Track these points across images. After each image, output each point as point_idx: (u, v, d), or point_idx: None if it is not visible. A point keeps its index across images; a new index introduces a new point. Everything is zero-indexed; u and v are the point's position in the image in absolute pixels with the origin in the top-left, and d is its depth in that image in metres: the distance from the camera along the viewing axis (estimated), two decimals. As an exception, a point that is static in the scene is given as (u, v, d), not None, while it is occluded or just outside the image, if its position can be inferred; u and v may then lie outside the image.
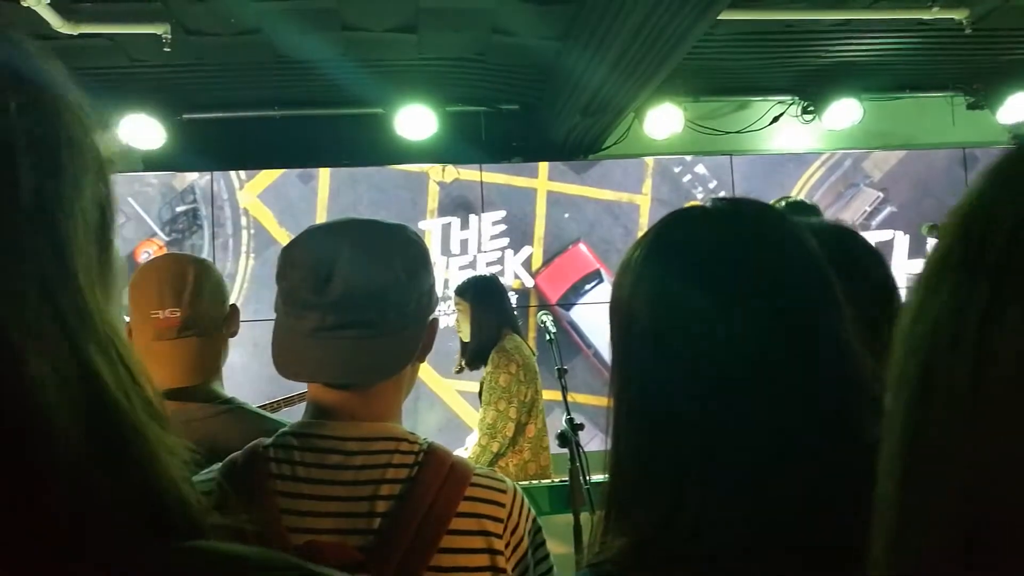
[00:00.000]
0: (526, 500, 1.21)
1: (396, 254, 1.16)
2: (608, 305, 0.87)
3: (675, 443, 0.77)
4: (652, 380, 0.80)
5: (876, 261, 1.27)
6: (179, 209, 4.87)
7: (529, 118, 5.19)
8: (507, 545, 1.13)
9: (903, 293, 1.23)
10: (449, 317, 3.56)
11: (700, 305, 0.78)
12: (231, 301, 1.77)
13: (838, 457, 0.72)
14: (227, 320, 1.72)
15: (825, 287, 0.80)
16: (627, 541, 0.77)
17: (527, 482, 3.24)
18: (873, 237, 4.71)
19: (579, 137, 5.04)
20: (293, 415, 1.34)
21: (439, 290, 2.37)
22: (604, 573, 0.76)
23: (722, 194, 5.10)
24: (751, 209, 0.85)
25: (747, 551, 0.72)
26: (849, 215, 5.17)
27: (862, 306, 1.02)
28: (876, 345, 1.04)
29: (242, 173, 4.90)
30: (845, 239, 1.26)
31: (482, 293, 3.48)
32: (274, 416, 1.73)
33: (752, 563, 0.71)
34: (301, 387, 1.52)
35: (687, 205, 0.91)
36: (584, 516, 2.57)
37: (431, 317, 1.22)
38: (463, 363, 3.54)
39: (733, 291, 0.78)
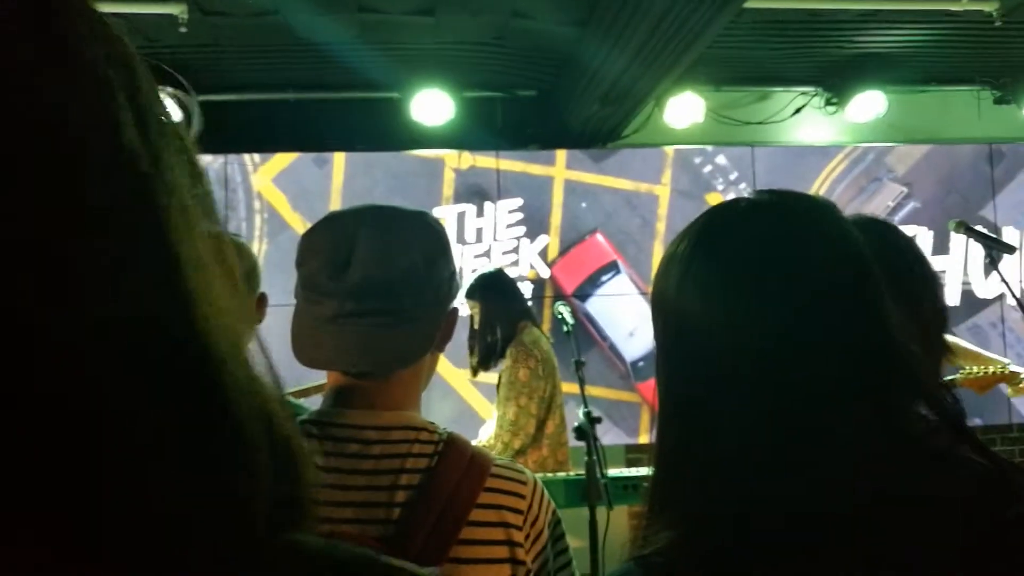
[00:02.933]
0: (546, 492, 1.20)
1: (415, 241, 1.15)
2: (650, 298, 0.86)
3: (719, 436, 0.77)
4: (698, 374, 0.80)
5: (918, 257, 1.26)
6: (192, 192, 4.83)
7: (547, 105, 5.13)
8: (527, 537, 1.13)
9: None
10: (466, 306, 3.51)
11: (749, 299, 0.78)
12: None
13: (886, 450, 0.73)
14: (255, 309, 1.68)
15: (873, 281, 0.80)
16: (673, 534, 0.76)
17: (543, 475, 3.20)
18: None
19: (597, 125, 4.99)
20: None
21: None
22: (651, 564, 0.75)
23: (742, 186, 5.06)
24: (799, 202, 0.85)
25: (794, 544, 0.71)
26: (871, 210, 5.09)
27: (908, 301, 1.00)
28: (925, 342, 1.02)
29: (256, 156, 4.86)
30: (887, 234, 1.26)
31: (491, 289, 3.43)
32: (294, 402, 1.70)
33: (799, 555, 0.71)
34: (314, 376, 1.47)
35: (730, 198, 0.91)
36: (600, 510, 2.54)
37: (451, 306, 1.20)
38: (475, 363, 3.48)
39: (782, 285, 0.78)
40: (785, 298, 0.77)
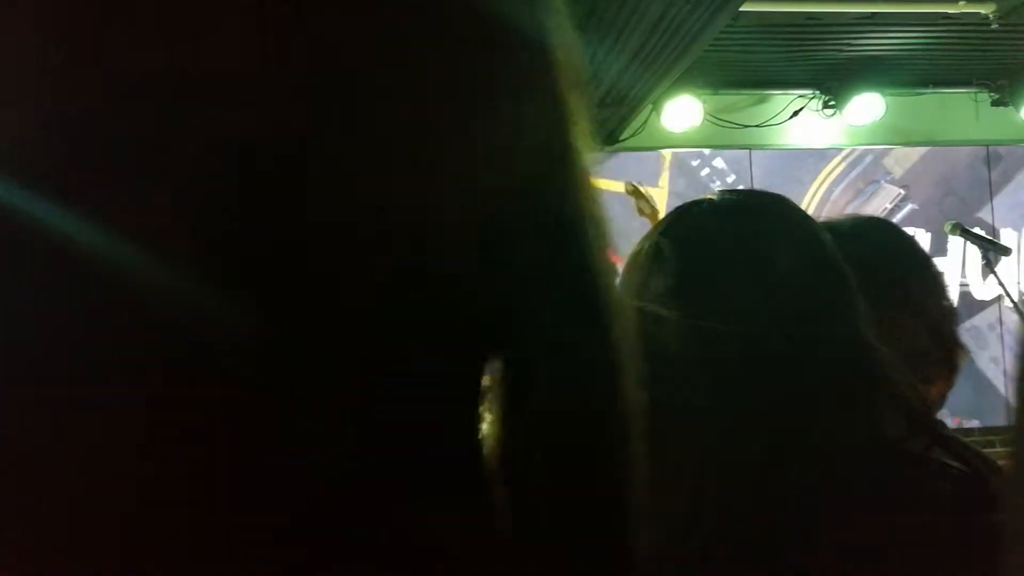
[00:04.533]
0: None
1: None
2: None
3: (684, 452, 0.74)
4: (663, 377, 0.77)
5: (921, 257, 1.25)
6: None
7: (545, 108, 5.12)
8: None
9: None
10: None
11: (710, 300, 0.77)
12: None
13: (853, 454, 0.72)
14: None
15: (837, 279, 0.79)
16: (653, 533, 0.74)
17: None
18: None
19: (595, 128, 4.95)
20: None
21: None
22: None
23: (740, 187, 5.06)
24: (760, 201, 0.85)
25: (763, 550, 0.70)
26: (869, 212, 5.08)
27: (914, 301, 0.99)
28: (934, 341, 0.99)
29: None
30: (891, 235, 1.24)
31: None
32: None
33: (769, 560, 0.70)
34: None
35: (695, 199, 0.91)
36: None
37: None
38: None
39: (744, 284, 0.77)
40: (747, 297, 0.76)
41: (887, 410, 0.75)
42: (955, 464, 0.76)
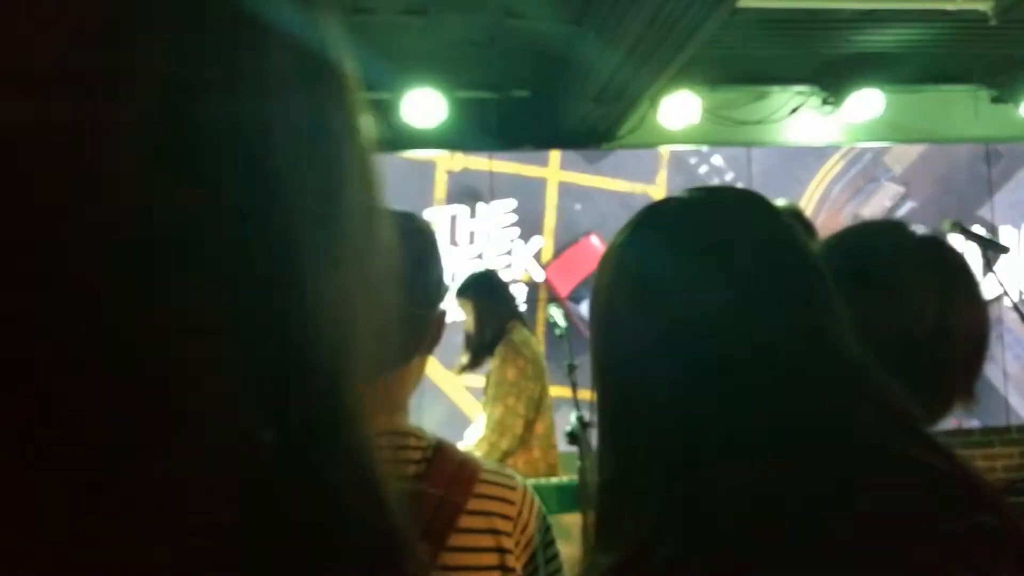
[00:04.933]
0: (536, 498, 1.20)
1: (403, 243, 1.10)
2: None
3: (659, 450, 0.75)
4: (631, 379, 0.79)
5: (927, 258, 1.22)
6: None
7: (540, 105, 5.11)
8: (517, 544, 1.13)
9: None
10: (457, 310, 3.50)
11: (674, 297, 0.78)
12: None
13: (823, 452, 0.72)
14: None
15: (806, 276, 0.79)
16: (615, 557, 0.74)
17: (536, 480, 3.17)
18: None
19: (592, 125, 4.98)
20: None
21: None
22: None
23: (738, 184, 5.04)
24: (728, 198, 0.86)
25: (737, 556, 0.69)
26: (869, 211, 5.11)
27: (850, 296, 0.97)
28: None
29: (246, 158, 4.83)
30: (898, 235, 1.24)
31: (484, 289, 3.44)
32: None
33: (743, 567, 0.69)
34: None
35: (665, 197, 0.93)
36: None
37: (439, 309, 1.20)
38: (466, 362, 3.47)
39: (708, 281, 0.77)
40: (711, 295, 0.76)
41: (861, 408, 0.74)
42: (935, 463, 0.74)
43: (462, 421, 4.56)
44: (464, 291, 3.43)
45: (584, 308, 4.91)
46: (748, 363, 0.74)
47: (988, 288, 5.28)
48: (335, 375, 0.35)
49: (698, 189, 0.88)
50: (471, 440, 3.36)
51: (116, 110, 0.29)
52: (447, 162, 4.93)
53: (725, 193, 0.86)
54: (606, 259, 0.85)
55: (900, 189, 5.24)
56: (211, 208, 0.31)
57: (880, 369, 0.76)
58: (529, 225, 4.95)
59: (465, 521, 1.09)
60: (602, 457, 0.82)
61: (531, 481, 3.18)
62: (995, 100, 5.46)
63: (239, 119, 0.32)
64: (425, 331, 1.17)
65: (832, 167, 5.21)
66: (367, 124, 0.41)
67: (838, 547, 0.68)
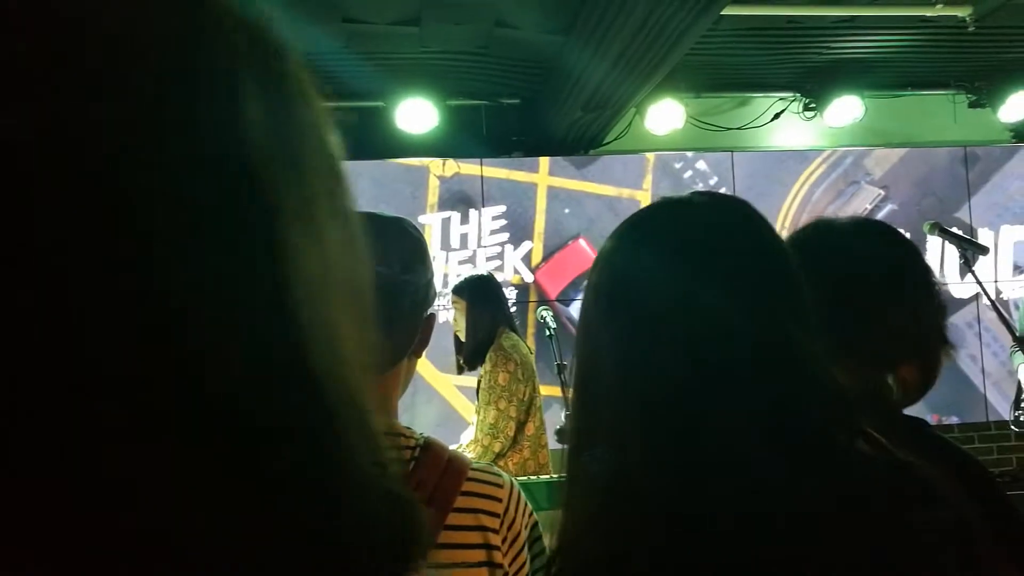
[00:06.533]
0: (523, 495, 1.20)
1: (393, 247, 1.14)
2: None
3: (631, 467, 0.76)
4: (605, 372, 0.80)
5: (915, 256, 1.28)
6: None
7: (530, 113, 5.16)
8: (504, 540, 1.13)
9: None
10: (448, 312, 3.55)
11: (656, 296, 0.79)
12: None
13: (786, 452, 0.72)
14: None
15: (783, 280, 0.80)
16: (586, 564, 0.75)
17: (525, 478, 3.23)
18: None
19: (580, 132, 5.02)
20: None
21: (438, 285, 2.35)
22: None
23: (723, 190, 5.11)
24: (711, 200, 0.88)
25: (699, 558, 0.71)
26: (850, 213, 5.13)
27: (911, 299, 1.03)
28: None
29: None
30: (886, 235, 1.30)
31: (479, 292, 3.47)
32: None
33: (707, 569, 0.71)
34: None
35: (655, 201, 0.95)
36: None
37: (428, 312, 1.20)
38: (461, 362, 3.53)
39: (688, 281, 0.79)
40: (697, 290, 0.78)
41: (812, 405, 0.75)
42: (883, 457, 0.77)
43: (456, 420, 4.63)
44: (460, 291, 3.47)
45: (573, 309, 4.99)
46: (720, 363, 0.75)
47: (967, 287, 5.33)
48: (329, 375, 0.34)
49: (697, 194, 0.89)
50: (465, 443, 3.42)
51: (88, 111, 0.30)
52: (439, 168, 5.00)
53: (704, 197, 0.88)
54: (596, 260, 0.86)
55: (880, 192, 5.29)
56: (186, 208, 0.31)
57: (837, 376, 0.77)
58: (519, 229, 5.01)
59: (453, 518, 1.09)
60: (572, 440, 0.86)
61: (521, 478, 3.22)
62: (973, 105, 5.49)
63: (205, 117, 0.33)
64: (414, 334, 1.16)
65: (814, 171, 5.26)
66: (330, 119, 0.41)
67: (798, 542, 0.69)
